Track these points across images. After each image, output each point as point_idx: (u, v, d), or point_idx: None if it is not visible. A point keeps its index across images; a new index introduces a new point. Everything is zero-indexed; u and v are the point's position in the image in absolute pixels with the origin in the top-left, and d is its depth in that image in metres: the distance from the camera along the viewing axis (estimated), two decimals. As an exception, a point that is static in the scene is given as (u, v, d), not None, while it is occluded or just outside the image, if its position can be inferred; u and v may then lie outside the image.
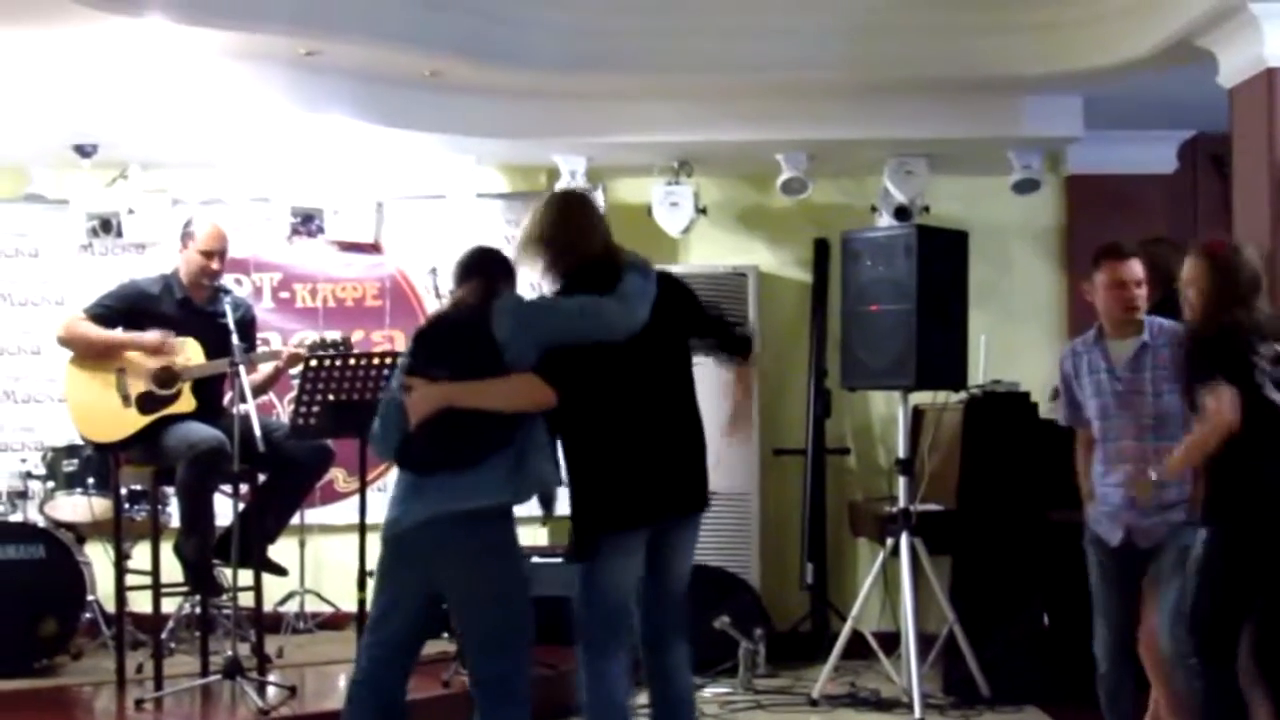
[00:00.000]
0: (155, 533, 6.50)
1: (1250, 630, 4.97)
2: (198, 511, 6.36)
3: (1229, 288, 4.96)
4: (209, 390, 6.54)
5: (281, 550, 6.85)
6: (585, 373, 4.64)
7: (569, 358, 4.62)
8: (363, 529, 6.34)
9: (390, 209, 8.62)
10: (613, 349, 4.67)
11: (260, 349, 6.87)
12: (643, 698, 5.06)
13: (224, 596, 6.87)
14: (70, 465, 7.40)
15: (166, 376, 6.38)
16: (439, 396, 4.61)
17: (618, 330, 4.66)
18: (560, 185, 8.30)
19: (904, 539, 6.98)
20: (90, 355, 6.48)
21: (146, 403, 6.38)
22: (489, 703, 4.68)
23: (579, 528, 4.72)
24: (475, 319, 4.68)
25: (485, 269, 4.86)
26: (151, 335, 6.42)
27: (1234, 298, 4.94)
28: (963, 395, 7.33)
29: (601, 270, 4.75)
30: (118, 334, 6.50)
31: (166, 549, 6.49)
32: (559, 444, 4.76)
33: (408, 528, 4.61)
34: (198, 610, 7.03)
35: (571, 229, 4.85)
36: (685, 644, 4.95)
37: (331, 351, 6.40)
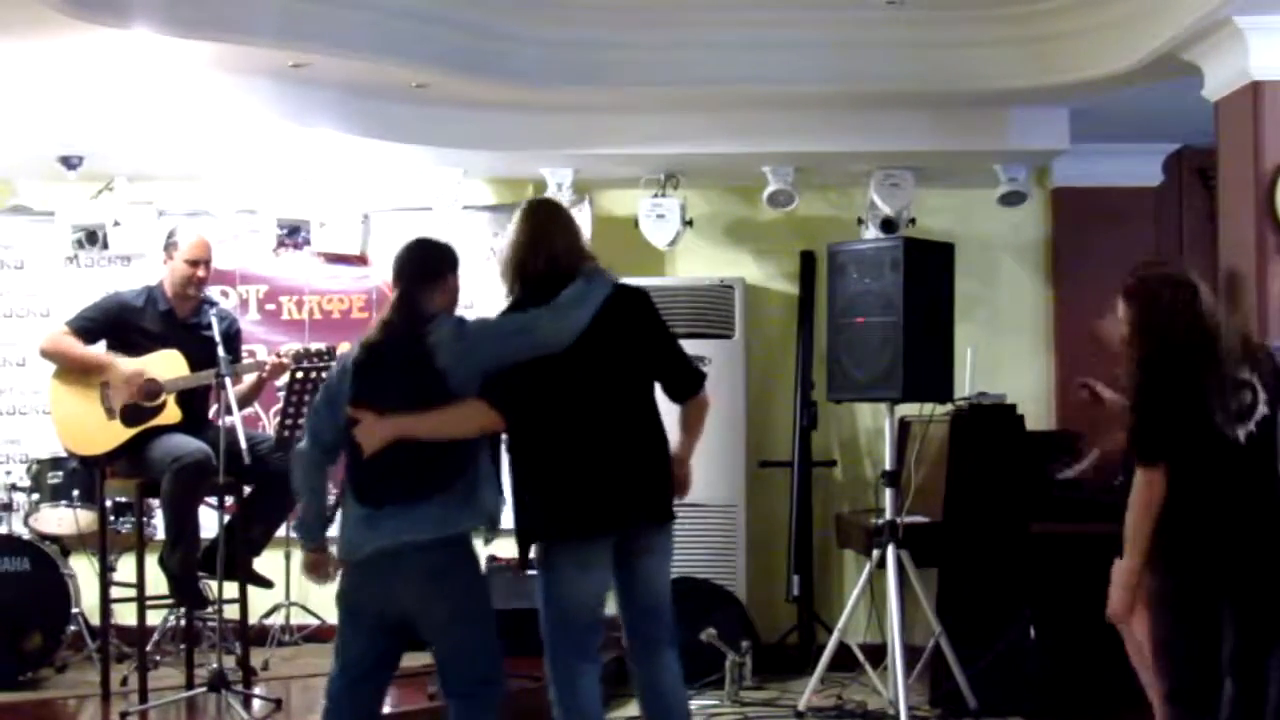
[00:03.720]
0: (140, 545, 6.49)
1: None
2: (183, 524, 6.35)
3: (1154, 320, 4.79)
4: (194, 402, 6.53)
5: (267, 563, 6.84)
6: (529, 392, 4.67)
7: (512, 379, 4.65)
8: (349, 541, 6.32)
9: (376, 221, 8.62)
10: (556, 362, 4.68)
11: (246, 361, 6.86)
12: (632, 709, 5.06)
13: (209, 609, 6.85)
14: (55, 478, 7.39)
15: (151, 389, 6.37)
16: (390, 430, 4.62)
17: (553, 343, 4.67)
18: (547, 197, 8.31)
19: (890, 551, 6.97)
20: (72, 370, 6.47)
21: (131, 415, 6.37)
22: (462, 709, 4.72)
23: (520, 539, 4.79)
24: (412, 347, 4.68)
25: (408, 275, 4.85)
26: (128, 369, 6.39)
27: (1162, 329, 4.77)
28: (949, 408, 7.33)
29: (552, 282, 4.76)
30: (98, 355, 6.49)
31: (151, 561, 6.48)
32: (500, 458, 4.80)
33: (369, 555, 4.62)
34: (183, 623, 7.03)
35: (527, 242, 4.86)
36: (673, 654, 4.94)
37: (314, 360, 6.40)
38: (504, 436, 4.82)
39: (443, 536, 4.59)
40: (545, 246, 4.85)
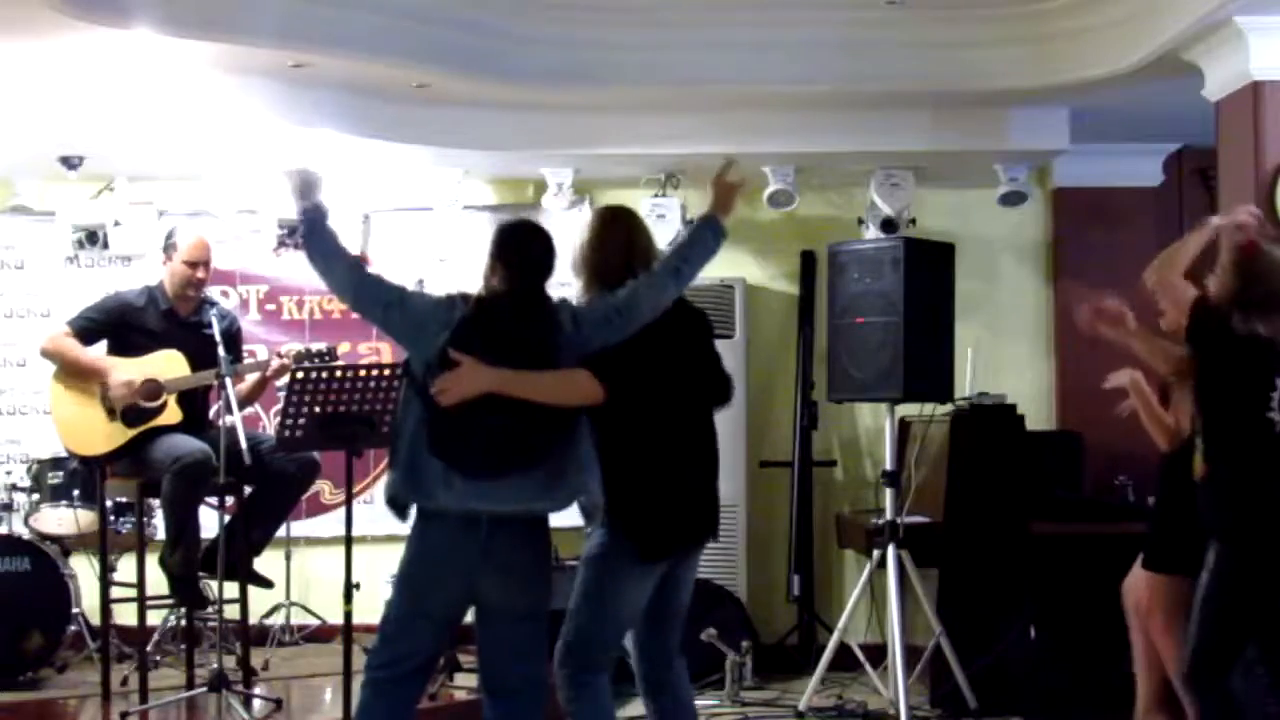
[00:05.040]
0: (141, 545, 6.50)
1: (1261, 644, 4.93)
2: (183, 524, 6.35)
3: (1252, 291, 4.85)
4: (195, 402, 6.54)
5: (267, 563, 6.84)
6: (634, 375, 4.63)
7: (618, 358, 4.60)
8: (349, 541, 6.31)
9: (377, 221, 8.62)
10: (662, 360, 4.69)
11: (247, 361, 6.86)
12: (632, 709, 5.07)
13: (209, 609, 6.85)
14: (55, 478, 7.39)
15: (151, 389, 6.37)
16: (491, 380, 4.46)
17: (659, 305, 4.64)
18: (548, 197, 8.32)
19: (890, 551, 6.97)
20: (72, 371, 6.47)
21: (131, 415, 6.37)
22: (509, 708, 4.65)
23: (635, 539, 4.66)
24: (536, 320, 4.59)
25: (534, 270, 4.68)
26: (125, 376, 6.38)
27: (1255, 303, 4.82)
28: (949, 408, 7.33)
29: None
30: (98, 360, 6.49)
31: (151, 561, 6.48)
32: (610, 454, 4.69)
33: (455, 514, 4.47)
34: (183, 623, 7.03)
35: (611, 246, 4.87)
36: (683, 659, 4.99)
37: (315, 360, 6.39)
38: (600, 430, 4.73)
39: (517, 513, 4.50)
40: (637, 248, 4.89)
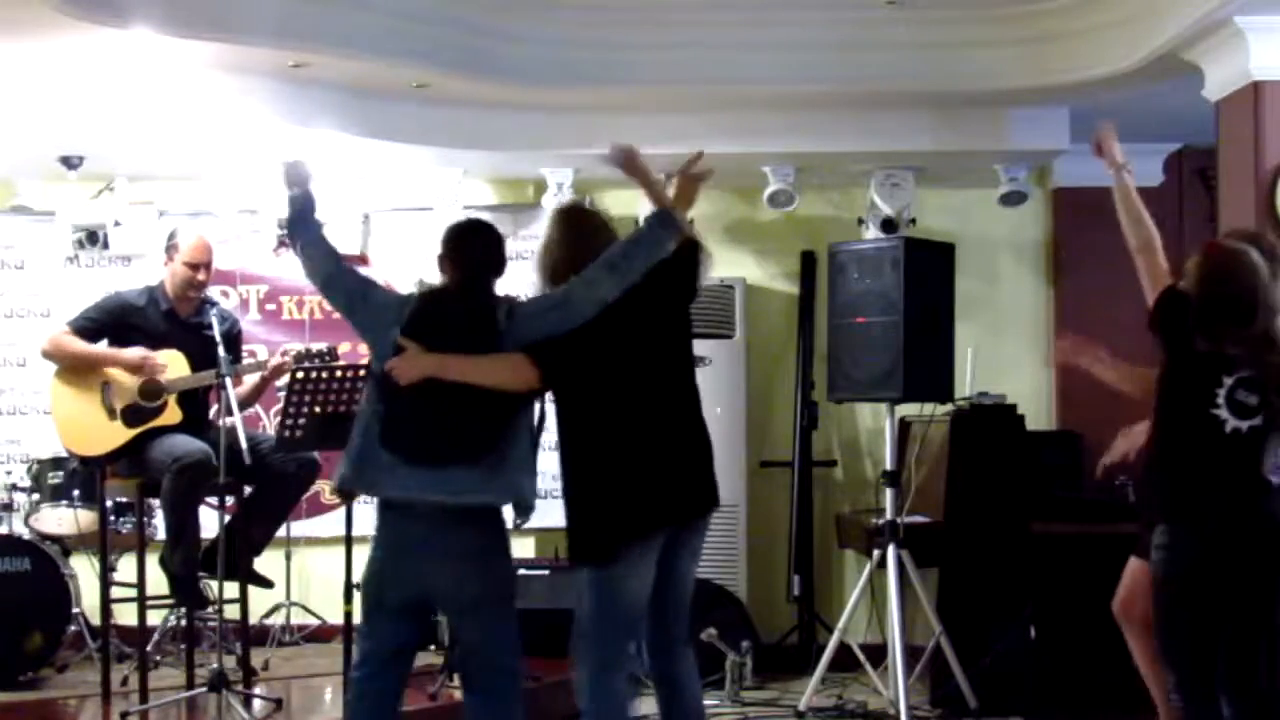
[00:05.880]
0: (141, 545, 6.49)
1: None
2: (183, 524, 6.34)
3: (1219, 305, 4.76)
4: (195, 402, 6.53)
5: (267, 563, 6.84)
6: (577, 358, 4.64)
7: (560, 343, 4.63)
8: (349, 541, 6.33)
9: (377, 221, 8.62)
10: (613, 339, 4.67)
11: (246, 361, 6.86)
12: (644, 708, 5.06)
13: (209, 609, 6.85)
14: (56, 478, 7.39)
15: (152, 389, 6.37)
16: (431, 365, 4.60)
17: (597, 300, 4.64)
18: (548, 197, 8.32)
19: (891, 551, 6.98)
20: (74, 369, 6.47)
21: (132, 415, 6.37)
22: (486, 703, 4.69)
23: (598, 532, 4.66)
24: (481, 312, 4.69)
25: (478, 263, 4.82)
26: (132, 354, 6.40)
27: (1224, 318, 4.73)
28: (949, 408, 7.33)
29: None
30: (100, 350, 6.49)
31: (152, 561, 6.48)
32: (566, 449, 4.74)
33: (402, 503, 4.59)
34: (183, 623, 7.03)
35: (573, 243, 4.88)
36: (692, 651, 4.96)
37: (316, 361, 6.39)
38: (559, 421, 4.77)
39: (468, 506, 4.56)
40: (596, 242, 4.86)
